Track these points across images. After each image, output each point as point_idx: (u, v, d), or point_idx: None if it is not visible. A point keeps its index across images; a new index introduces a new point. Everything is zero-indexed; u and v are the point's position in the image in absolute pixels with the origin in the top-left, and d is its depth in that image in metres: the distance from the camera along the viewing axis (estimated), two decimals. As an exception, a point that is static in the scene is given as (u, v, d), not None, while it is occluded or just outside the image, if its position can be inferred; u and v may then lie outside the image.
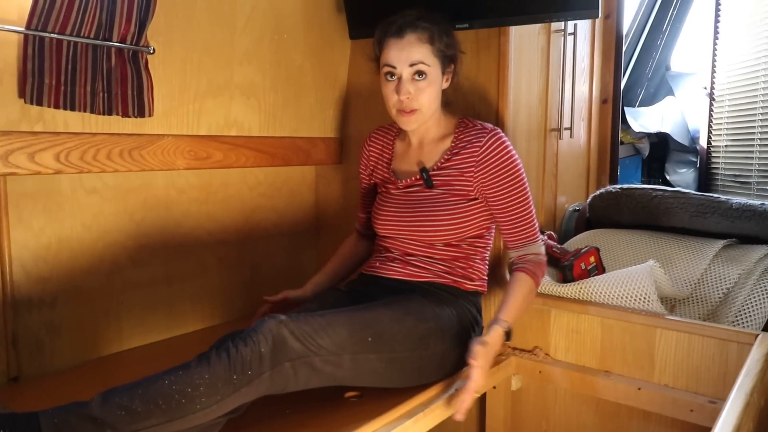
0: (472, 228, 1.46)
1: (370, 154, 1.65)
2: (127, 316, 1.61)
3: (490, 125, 1.50)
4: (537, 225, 1.49)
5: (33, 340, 1.43)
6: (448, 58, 1.47)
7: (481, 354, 1.29)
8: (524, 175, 1.46)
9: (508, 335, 1.38)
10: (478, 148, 1.45)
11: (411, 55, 1.40)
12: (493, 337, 1.35)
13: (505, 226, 1.48)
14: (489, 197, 1.45)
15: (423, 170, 1.49)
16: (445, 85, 1.49)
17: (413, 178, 1.51)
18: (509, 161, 1.44)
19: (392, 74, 1.42)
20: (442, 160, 1.49)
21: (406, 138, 1.58)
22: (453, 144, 1.50)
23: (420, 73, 1.41)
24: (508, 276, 1.60)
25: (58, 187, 1.45)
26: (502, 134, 1.47)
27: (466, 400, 1.28)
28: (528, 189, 1.47)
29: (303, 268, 2.12)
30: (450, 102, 1.55)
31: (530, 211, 1.47)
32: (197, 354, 1.11)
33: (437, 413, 1.33)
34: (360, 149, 1.69)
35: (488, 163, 1.44)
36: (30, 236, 1.41)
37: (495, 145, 1.44)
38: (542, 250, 1.50)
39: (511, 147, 1.46)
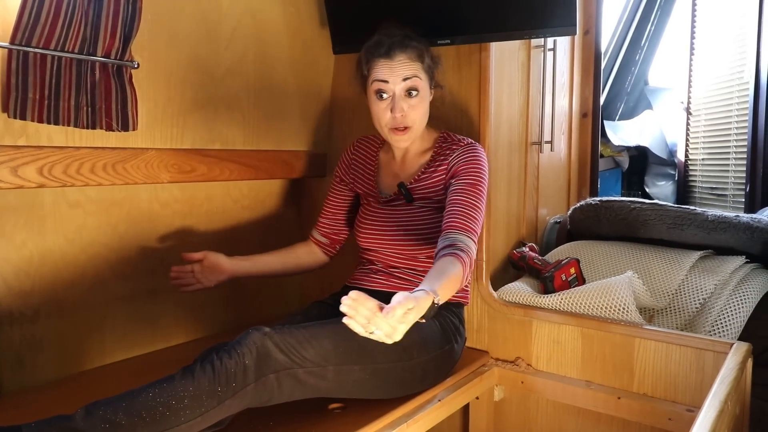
0: (454, 241, 1.48)
1: (353, 162, 1.66)
2: (110, 329, 1.61)
3: (470, 139, 1.53)
4: (478, 230, 1.38)
5: (14, 355, 1.42)
6: (433, 73, 1.50)
7: (411, 314, 1.03)
8: (485, 184, 1.45)
9: (431, 309, 1.10)
10: (452, 158, 1.48)
11: (404, 72, 1.42)
12: (422, 300, 1.07)
13: (448, 211, 1.39)
14: (448, 192, 1.44)
15: (401, 185, 1.51)
16: (429, 99, 1.52)
17: (394, 193, 1.53)
18: (474, 164, 1.46)
19: (384, 92, 1.44)
20: (419, 173, 1.52)
21: (390, 151, 1.61)
22: (432, 158, 1.52)
23: (413, 89, 1.43)
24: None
25: (41, 200, 1.44)
26: (478, 146, 1.50)
27: (357, 316, 0.99)
28: (483, 198, 1.43)
29: (286, 280, 2.12)
30: (437, 117, 1.57)
31: (477, 211, 1.39)
32: (181, 367, 1.11)
33: (420, 424, 1.34)
34: (341, 157, 1.70)
35: (457, 162, 1.47)
36: (12, 250, 1.40)
37: (466, 152, 1.48)
38: (474, 248, 1.33)
39: (481, 156, 1.48)
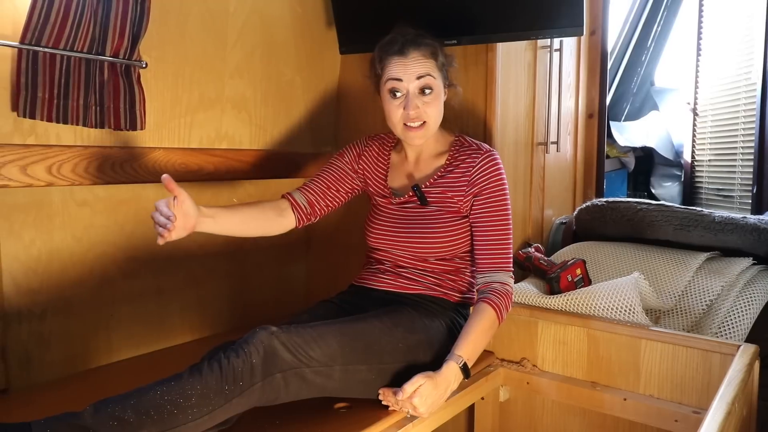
0: (465, 244, 1.48)
1: (363, 154, 1.62)
2: (116, 328, 1.61)
3: (486, 146, 1.52)
4: (511, 257, 1.46)
5: (22, 352, 1.43)
6: (447, 72, 1.50)
7: (423, 387, 1.23)
8: (509, 204, 1.48)
9: (466, 372, 1.32)
10: (471, 167, 1.47)
11: (418, 70, 1.42)
12: (444, 372, 1.28)
13: (480, 248, 1.45)
14: (472, 216, 1.47)
15: (415, 188, 1.50)
16: (444, 98, 1.51)
17: (408, 195, 1.53)
18: (499, 186, 1.46)
19: (397, 90, 1.43)
20: (435, 177, 1.51)
21: (402, 151, 1.59)
22: (447, 162, 1.51)
23: (427, 87, 1.43)
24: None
25: (49, 199, 1.45)
26: (497, 157, 1.49)
27: (390, 401, 1.27)
28: (510, 218, 1.47)
29: (293, 279, 2.12)
30: (445, 117, 1.57)
31: (508, 240, 1.45)
32: (189, 365, 1.12)
33: (426, 424, 1.34)
34: (352, 143, 1.64)
35: (479, 183, 1.45)
36: (20, 248, 1.41)
37: (489, 166, 1.46)
38: (510, 281, 1.43)
39: (503, 172, 1.48)
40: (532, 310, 1.65)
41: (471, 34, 1.66)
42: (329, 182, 1.58)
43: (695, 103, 3.67)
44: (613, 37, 4.00)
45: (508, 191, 1.48)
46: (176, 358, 1.62)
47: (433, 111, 1.45)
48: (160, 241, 1.21)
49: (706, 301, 1.64)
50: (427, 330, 1.38)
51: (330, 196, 1.58)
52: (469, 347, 1.34)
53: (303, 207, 1.53)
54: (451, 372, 1.29)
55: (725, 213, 1.82)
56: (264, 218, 1.47)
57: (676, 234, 1.83)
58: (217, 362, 1.09)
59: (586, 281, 1.74)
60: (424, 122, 1.44)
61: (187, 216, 1.24)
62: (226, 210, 1.37)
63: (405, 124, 1.45)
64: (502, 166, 1.48)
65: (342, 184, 1.60)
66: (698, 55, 3.64)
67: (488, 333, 1.38)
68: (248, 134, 1.82)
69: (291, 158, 1.94)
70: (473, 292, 1.56)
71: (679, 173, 4.02)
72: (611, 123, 3.91)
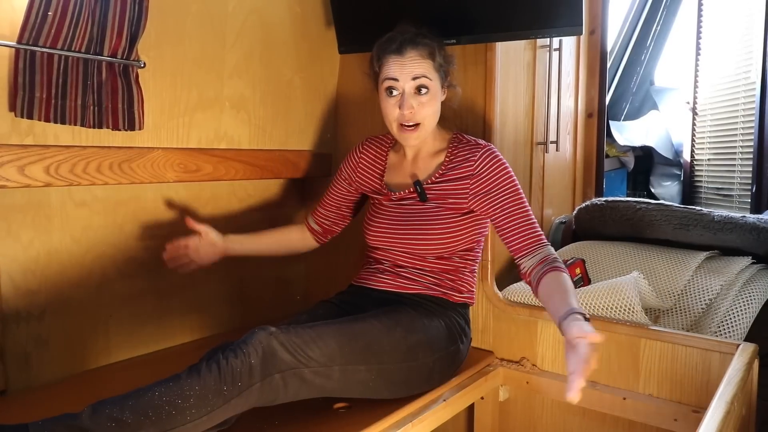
0: (464, 242, 1.48)
1: (360, 161, 1.65)
2: (115, 328, 1.61)
3: (483, 141, 1.52)
4: (542, 232, 1.43)
5: (21, 353, 1.43)
6: (446, 73, 1.49)
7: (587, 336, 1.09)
8: (519, 185, 1.47)
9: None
10: (473, 162, 1.47)
11: (414, 70, 1.42)
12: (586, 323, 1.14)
13: (511, 235, 1.41)
14: (490, 210, 1.45)
15: (417, 183, 1.50)
16: (442, 98, 1.51)
17: (407, 191, 1.53)
18: (505, 172, 1.46)
19: (394, 89, 1.44)
20: (437, 175, 1.51)
21: (400, 150, 1.60)
22: (447, 159, 1.51)
23: (422, 87, 1.43)
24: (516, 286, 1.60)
25: (47, 199, 1.45)
26: (495, 149, 1.49)
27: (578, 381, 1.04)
28: (525, 198, 1.46)
29: (291, 280, 2.12)
30: (444, 116, 1.57)
31: (533, 218, 1.43)
32: (187, 366, 1.11)
33: (425, 424, 1.34)
34: (348, 155, 1.68)
35: (484, 176, 1.45)
36: (19, 249, 1.41)
37: (489, 158, 1.46)
38: (555, 252, 1.39)
39: (504, 160, 1.48)
40: (532, 310, 1.65)
41: (470, 33, 1.66)
42: (333, 204, 1.71)
43: (694, 103, 3.68)
44: (612, 37, 4.00)
45: (514, 175, 1.47)
46: (175, 358, 1.62)
47: (428, 112, 1.45)
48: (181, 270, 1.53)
49: (705, 300, 1.64)
50: (427, 330, 1.38)
51: (335, 215, 1.72)
52: (575, 301, 1.22)
53: (317, 231, 1.74)
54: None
55: (724, 212, 1.83)
56: (288, 242, 1.73)
57: (676, 233, 1.83)
58: (216, 363, 1.09)
59: (585, 281, 1.74)
60: (419, 123, 1.44)
61: (214, 245, 1.57)
62: (252, 237, 1.65)
63: (400, 124, 1.45)
64: (501, 155, 1.49)
65: (345, 201, 1.70)
66: (697, 54, 3.65)
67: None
68: (247, 134, 1.82)
69: (290, 158, 1.94)
70: (473, 292, 1.55)
71: (678, 172, 4.02)
72: (611, 122, 3.91)
